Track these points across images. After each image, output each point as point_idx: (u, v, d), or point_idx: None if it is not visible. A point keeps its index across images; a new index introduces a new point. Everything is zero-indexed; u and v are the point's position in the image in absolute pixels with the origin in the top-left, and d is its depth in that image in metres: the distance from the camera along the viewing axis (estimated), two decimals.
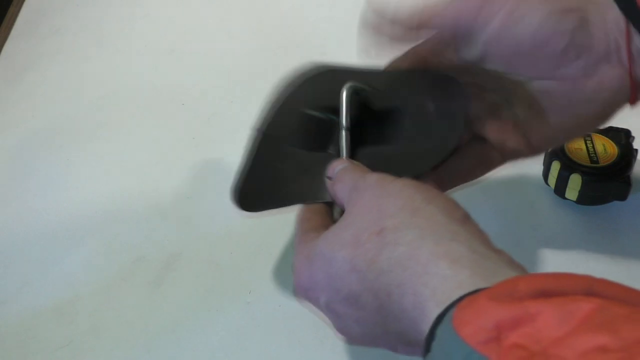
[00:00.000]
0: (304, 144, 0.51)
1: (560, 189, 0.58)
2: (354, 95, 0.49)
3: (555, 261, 0.56)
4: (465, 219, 0.38)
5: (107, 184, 0.66)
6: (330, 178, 0.46)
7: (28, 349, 0.54)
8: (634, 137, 0.59)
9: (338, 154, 0.48)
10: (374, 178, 0.42)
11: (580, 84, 0.45)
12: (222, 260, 0.58)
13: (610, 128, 0.59)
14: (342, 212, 0.44)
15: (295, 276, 0.43)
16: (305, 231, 0.44)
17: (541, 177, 0.60)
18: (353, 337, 0.41)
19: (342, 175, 0.44)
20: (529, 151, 0.49)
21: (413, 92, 0.49)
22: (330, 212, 0.47)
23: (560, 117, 0.47)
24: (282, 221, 0.60)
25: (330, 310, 0.41)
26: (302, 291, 0.42)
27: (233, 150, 0.68)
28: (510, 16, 0.44)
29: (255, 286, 0.56)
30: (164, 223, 0.62)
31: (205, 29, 0.84)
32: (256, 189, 0.51)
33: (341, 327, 0.41)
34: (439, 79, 0.49)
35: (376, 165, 0.46)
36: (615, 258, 0.56)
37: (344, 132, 0.48)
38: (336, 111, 0.49)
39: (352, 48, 0.77)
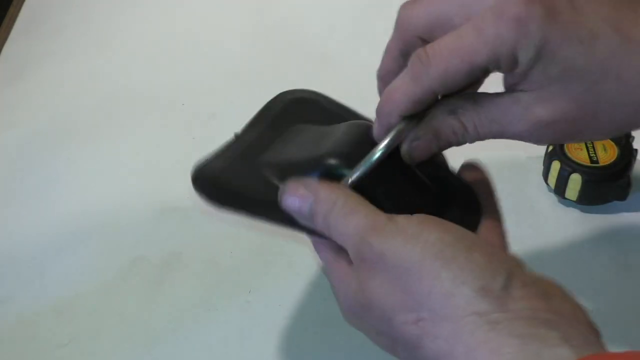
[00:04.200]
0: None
1: (560, 189, 0.58)
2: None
3: (556, 261, 0.56)
4: (506, 290, 0.33)
5: (107, 183, 0.66)
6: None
7: (28, 348, 0.54)
8: (634, 137, 0.59)
9: None
10: (380, 248, 0.36)
11: None
12: (222, 259, 0.58)
13: None
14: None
15: (339, 303, 0.40)
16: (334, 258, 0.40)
17: (541, 177, 0.60)
18: None
19: (330, 218, 0.38)
20: None
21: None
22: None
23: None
24: None
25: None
26: (349, 320, 0.40)
27: None
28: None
29: (255, 285, 0.56)
30: (164, 222, 0.62)
31: (206, 29, 0.84)
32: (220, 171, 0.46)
33: None
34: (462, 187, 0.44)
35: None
36: (615, 258, 0.56)
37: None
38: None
39: (352, 49, 0.78)
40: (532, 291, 0.34)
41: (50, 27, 0.86)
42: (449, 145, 0.40)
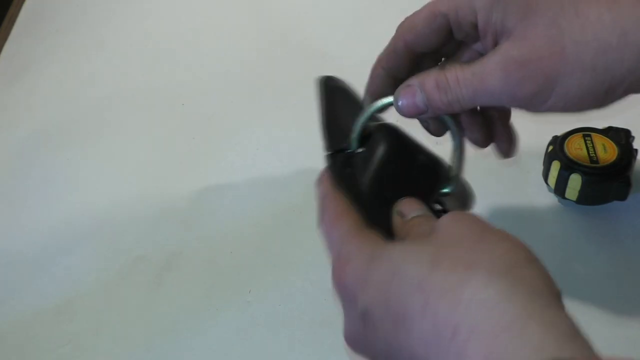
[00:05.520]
0: None
1: (560, 189, 0.58)
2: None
3: (555, 261, 0.55)
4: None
5: (107, 183, 0.66)
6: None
7: (28, 348, 0.54)
8: (634, 137, 0.59)
9: None
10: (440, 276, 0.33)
11: None
12: (222, 259, 0.58)
13: (610, 128, 0.59)
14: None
15: (337, 266, 0.37)
16: (361, 227, 0.39)
17: (541, 177, 0.60)
18: (360, 350, 0.38)
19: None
20: None
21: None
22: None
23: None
24: (282, 220, 0.60)
25: (362, 319, 0.36)
26: (340, 286, 0.38)
27: (233, 150, 0.68)
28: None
29: (255, 285, 0.56)
30: (164, 222, 0.62)
31: (205, 29, 0.84)
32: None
33: (355, 335, 0.38)
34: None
35: None
36: (615, 258, 0.56)
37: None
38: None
39: (352, 48, 0.78)
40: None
41: (50, 27, 0.86)
42: (435, 103, 0.42)
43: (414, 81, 0.43)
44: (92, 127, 0.73)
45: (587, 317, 0.51)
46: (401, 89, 0.43)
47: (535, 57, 0.39)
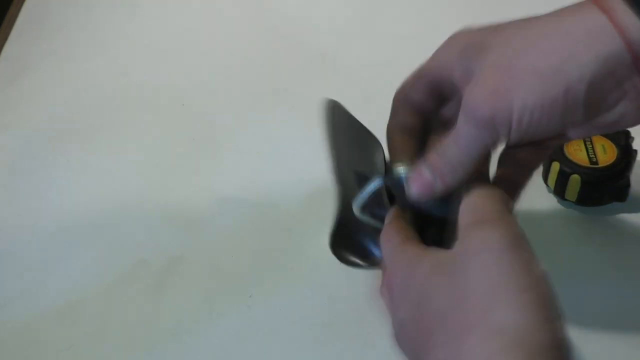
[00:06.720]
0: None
1: (559, 190, 0.58)
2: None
3: (555, 262, 0.55)
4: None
5: (107, 185, 0.66)
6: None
7: (29, 352, 0.54)
8: (633, 138, 0.59)
9: None
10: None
11: None
12: (223, 263, 0.58)
13: None
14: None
15: (387, 278, 0.41)
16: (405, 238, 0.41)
17: (541, 178, 0.60)
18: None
19: None
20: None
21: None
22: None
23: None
24: (283, 224, 0.60)
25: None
26: (386, 295, 0.41)
27: (233, 151, 0.68)
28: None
29: (256, 290, 0.56)
30: (164, 225, 0.62)
31: (205, 29, 0.83)
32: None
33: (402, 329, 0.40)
34: None
35: None
36: (614, 259, 0.56)
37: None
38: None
39: (352, 48, 0.78)
40: None
41: (50, 27, 0.86)
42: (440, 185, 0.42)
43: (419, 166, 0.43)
44: (92, 128, 0.73)
45: (586, 317, 0.52)
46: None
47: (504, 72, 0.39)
